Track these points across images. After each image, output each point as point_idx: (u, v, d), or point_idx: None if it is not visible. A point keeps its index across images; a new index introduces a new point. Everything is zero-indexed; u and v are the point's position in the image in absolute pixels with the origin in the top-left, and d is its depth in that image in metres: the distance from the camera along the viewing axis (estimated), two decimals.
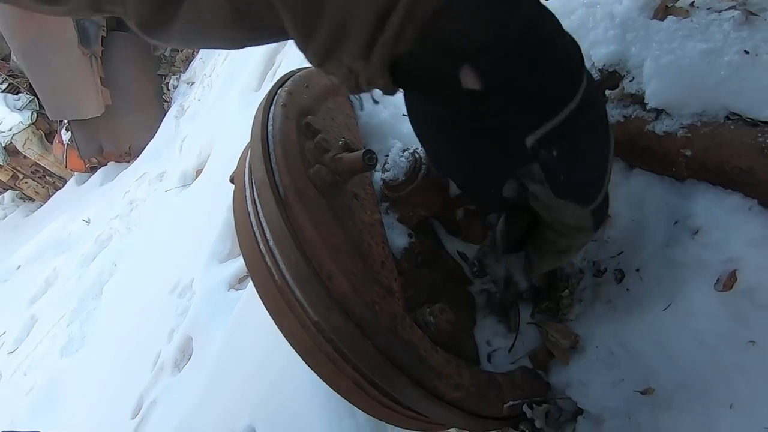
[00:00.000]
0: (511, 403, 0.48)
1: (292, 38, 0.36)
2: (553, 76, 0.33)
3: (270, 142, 0.47)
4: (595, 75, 0.52)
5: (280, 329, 0.47)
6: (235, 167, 0.59)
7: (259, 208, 0.46)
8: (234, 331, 1.18)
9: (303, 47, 0.35)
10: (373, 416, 0.49)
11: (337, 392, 0.48)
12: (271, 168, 0.45)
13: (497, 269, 0.66)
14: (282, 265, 0.44)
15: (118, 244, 2.34)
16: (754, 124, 0.41)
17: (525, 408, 0.50)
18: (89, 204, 3.05)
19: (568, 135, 0.35)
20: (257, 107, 0.52)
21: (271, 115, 0.49)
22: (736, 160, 0.41)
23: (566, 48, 0.34)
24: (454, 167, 0.41)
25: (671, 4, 0.52)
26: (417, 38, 0.30)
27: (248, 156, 0.52)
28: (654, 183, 0.51)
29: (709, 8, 0.50)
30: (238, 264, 1.45)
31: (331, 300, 0.40)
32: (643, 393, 0.47)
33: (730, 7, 0.49)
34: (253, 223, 0.47)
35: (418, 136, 0.41)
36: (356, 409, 0.78)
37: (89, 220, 2.88)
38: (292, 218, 0.42)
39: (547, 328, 0.57)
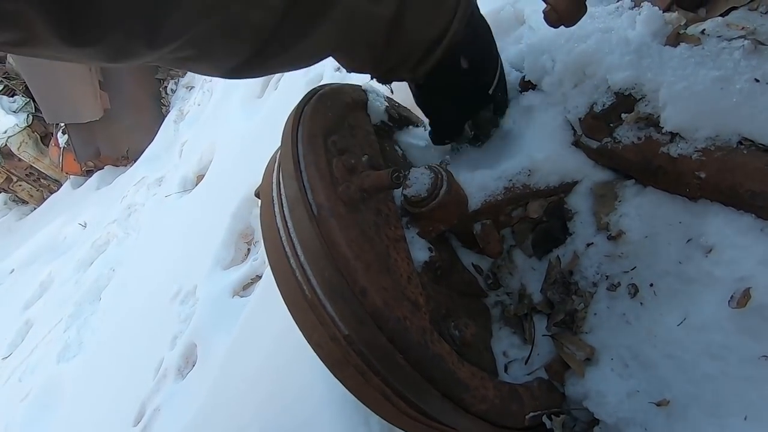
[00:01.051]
0: (532, 414, 0.49)
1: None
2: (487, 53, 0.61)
3: (301, 162, 0.48)
4: (611, 98, 0.54)
5: (308, 342, 0.48)
6: (260, 181, 0.60)
7: (289, 225, 0.48)
8: (240, 337, 1.18)
9: (367, 72, 0.61)
10: (397, 426, 0.50)
11: (363, 402, 0.49)
12: (304, 186, 0.46)
13: (511, 282, 0.68)
14: (313, 280, 0.45)
15: (115, 249, 2.33)
16: (766, 150, 0.44)
17: (544, 419, 0.51)
18: (85, 208, 3.03)
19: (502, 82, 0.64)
20: (285, 125, 0.53)
21: (299, 134, 0.51)
22: (749, 184, 0.43)
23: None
24: (449, 116, 0.66)
25: (683, 32, 0.55)
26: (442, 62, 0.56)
27: (276, 173, 0.53)
28: (666, 202, 0.53)
29: (719, 36, 0.52)
30: (243, 271, 1.45)
31: (365, 314, 0.42)
32: (658, 404, 0.49)
33: (740, 36, 0.51)
34: (283, 238, 0.49)
35: (424, 105, 0.66)
36: (370, 418, 0.80)
37: (85, 224, 2.85)
38: (325, 235, 0.44)
39: (562, 340, 0.59)
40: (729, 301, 0.45)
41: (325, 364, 0.49)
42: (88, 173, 3.34)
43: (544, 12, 0.49)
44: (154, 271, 1.88)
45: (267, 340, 1.09)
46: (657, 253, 0.53)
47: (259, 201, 0.57)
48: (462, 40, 0.54)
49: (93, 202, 3.04)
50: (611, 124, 0.55)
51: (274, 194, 0.52)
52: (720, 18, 0.55)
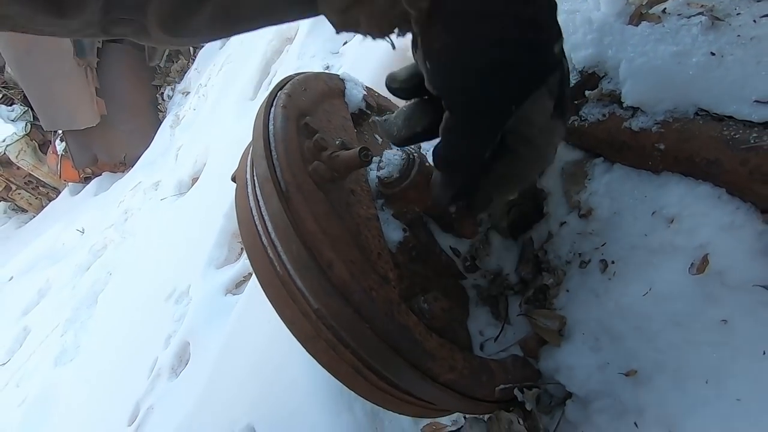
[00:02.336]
0: (502, 386, 0.50)
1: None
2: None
3: (271, 141, 0.49)
4: (576, 77, 0.56)
5: (281, 318, 0.49)
6: (235, 168, 0.61)
7: (261, 203, 0.49)
8: (232, 334, 1.19)
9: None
10: (371, 401, 0.51)
11: (336, 378, 0.50)
12: (273, 165, 0.48)
13: (489, 264, 0.69)
14: (284, 256, 0.46)
15: (112, 254, 2.34)
16: (719, 119, 0.45)
17: (516, 392, 0.52)
18: (83, 214, 3.05)
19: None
20: (258, 108, 0.55)
21: (271, 115, 0.52)
22: (705, 152, 0.44)
23: None
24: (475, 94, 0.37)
25: (645, 11, 0.56)
26: None
27: (250, 154, 0.54)
28: (633, 177, 0.54)
29: (679, 14, 0.54)
30: (236, 269, 1.47)
31: (331, 286, 0.43)
32: (626, 375, 0.50)
33: (698, 13, 0.52)
34: (255, 217, 0.50)
35: (434, 71, 0.38)
36: (353, 403, 0.80)
37: (83, 230, 2.87)
38: (293, 210, 0.45)
39: (534, 315, 0.60)
40: (689, 269, 0.45)
41: (299, 341, 0.50)
42: (86, 180, 3.37)
43: None
44: (150, 273, 1.89)
45: (258, 336, 1.10)
46: (624, 228, 0.54)
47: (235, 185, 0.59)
48: None
49: (91, 207, 3.06)
50: (576, 102, 0.56)
51: (248, 175, 0.53)
52: None
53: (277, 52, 2.11)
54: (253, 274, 1.34)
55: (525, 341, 0.60)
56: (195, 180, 2.17)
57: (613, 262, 0.55)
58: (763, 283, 0.42)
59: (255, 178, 0.50)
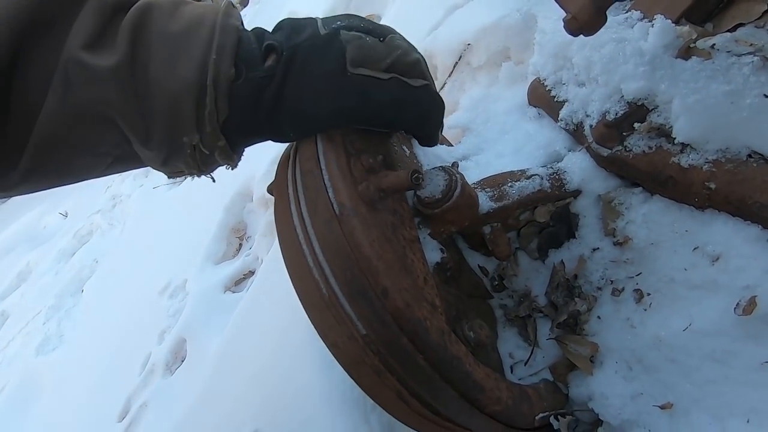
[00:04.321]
0: (541, 415, 0.50)
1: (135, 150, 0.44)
2: None
3: (321, 159, 0.48)
4: (624, 107, 0.56)
5: (324, 341, 0.48)
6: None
7: (307, 223, 0.47)
8: (235, 334, 1.17)
9: (146, 149, 0.43)
10: (409, 426, 0.51)
11: (376, 401, 0.49)
12: (325, 185, 0.46)
13: (516, 284, 0.69)
14: (332, 280, 0.45)
15: (99, 241, 2.27)
16: None
17: (552, 420, 0.52)
18: (66, 197, 2.94)
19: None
20: None
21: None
22: (758, 196, 0.45)
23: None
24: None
25: (693, 45, 0.56)
26: (227, 101, 0.42)
27: (291, 169, 0.53)
28: (674, 210, 0.55)
29: (728, 51, 0.54)
30: (235, 266, 1.44)
31: (386, 315, 0.42)
32: (662, 407, 0.51)
33: (749, 53, 0.53)
34: (301, 236, 0.48)
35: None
36: (370, 416, 0.80)
37: (66, 213, 2.78)
38: (347, 235, 0.44)
39: (566, 341, 0.60)
40: (735, 309, 0.46)
41: (341, 364, 0.49)
42: None
43: (564, 20, 0.50)
44: (141, 264, 1.84)
45: (265, 338, 1.08)
46: (662, 260, 0.55)
47: (272, 197, 0.57)
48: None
49: (74, 190, 2.96)
50: (623, 133, 0.56)
51: (290, 191, 0.51)
52: (729, 33, 0.56)
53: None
54: (257, 276, 1.32)
55: (555, 366, 0.60)
56: None
57: (649, 294, 0.56)
58: None
59: (301, 196, 0.49)
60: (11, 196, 0.44)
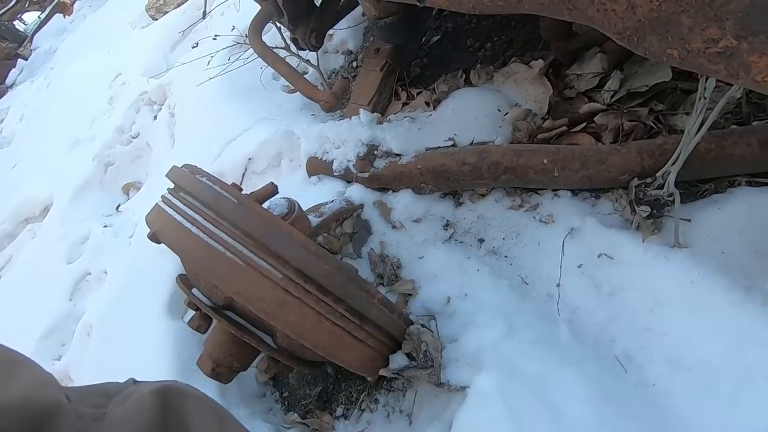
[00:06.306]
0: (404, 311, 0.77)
1: None
2: None
3: (215, 186, 0.69)
4: (365, 147, 1.00)
5: (249, 303, 0.62)
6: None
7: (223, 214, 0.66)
8: None
9: None
10: (328, 347, 0.67)
11: (304, 334, 0.65)
12: (219, 192, 0.67)
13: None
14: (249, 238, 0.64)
15: None
16: (435, 148, 0.96)
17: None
18: None
19: None
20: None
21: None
22: (428, 167, 0.93)
23: None
24: None
25: (384, 117, 1.09)
26: None
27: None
28: (414, 195, 0.99)
29: (402, 118, 1.09)
30: None
31: (295, 244, 0.64)
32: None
33: (408, 118, 1.08)
34: (210, 227, 0.65)
35: None
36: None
37: None
38: (248, 208, 0.65)
39: (395, 288, 0.90)
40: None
41: (268, 316, 0.63)
42: None
43: (320, 104, 0.92)
44: None
45: None
46: (420, 227, 0.96)
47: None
48: None
49: None
50: (371, 161, 1.00)
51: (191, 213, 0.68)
52: (400, 112, 1.12)
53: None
54: None
55: (397, 301, 0.89)
56: None
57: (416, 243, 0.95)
58: None
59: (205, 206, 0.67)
60: None
